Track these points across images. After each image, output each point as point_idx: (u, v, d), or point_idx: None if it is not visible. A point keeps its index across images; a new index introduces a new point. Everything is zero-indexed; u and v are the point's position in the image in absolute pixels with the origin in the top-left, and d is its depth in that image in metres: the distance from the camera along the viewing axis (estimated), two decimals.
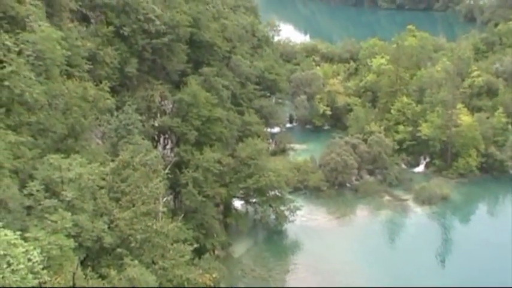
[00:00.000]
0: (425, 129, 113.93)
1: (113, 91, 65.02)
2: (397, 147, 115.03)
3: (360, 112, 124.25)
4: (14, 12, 49.31)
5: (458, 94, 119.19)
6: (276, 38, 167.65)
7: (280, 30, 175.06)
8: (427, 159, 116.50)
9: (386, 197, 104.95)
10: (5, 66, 40.82)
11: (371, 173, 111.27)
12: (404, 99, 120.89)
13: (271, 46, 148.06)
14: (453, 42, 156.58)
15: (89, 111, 53.70)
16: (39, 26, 49.41)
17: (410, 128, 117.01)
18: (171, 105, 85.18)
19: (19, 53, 44.48)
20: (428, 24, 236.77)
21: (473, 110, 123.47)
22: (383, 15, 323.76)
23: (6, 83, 39.93)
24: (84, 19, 73.48)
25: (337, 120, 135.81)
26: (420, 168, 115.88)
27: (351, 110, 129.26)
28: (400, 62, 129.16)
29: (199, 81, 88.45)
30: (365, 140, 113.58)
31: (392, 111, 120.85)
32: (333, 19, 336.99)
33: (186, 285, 47.02)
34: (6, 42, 43.84)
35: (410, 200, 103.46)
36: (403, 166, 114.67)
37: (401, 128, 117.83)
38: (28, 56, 45.52)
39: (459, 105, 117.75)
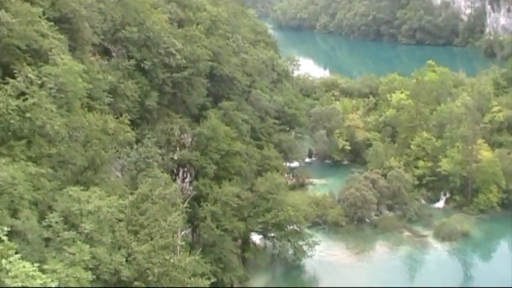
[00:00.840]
0: (445, 165, 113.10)
1: (133, 124, 65.36)
2: (416, 182, 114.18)
3: (380, 147, 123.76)
4: (37, 45, 49.96)
5: (478, 129, 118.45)
6: (296, 73, 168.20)
7: (299, 64, 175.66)
8: (447, 195, 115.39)
9: (406, 233, 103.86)
10: (27, 99, 41.24)
11: (390, 208, 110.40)
12: (424, 134, 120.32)
13: (291, 80, 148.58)
14: (473, 78, 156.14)
15: (109, 144, 53.96)
16: (62, 59, 49.94)
17: (430, 164, 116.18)
18: (190, 139, 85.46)
19: (41, 86, 44.94)
20: (448, 59, 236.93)
21: (494, 145, 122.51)
22: (402, 50, 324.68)
23: (28, 114, 40.28)
24: (106, 53, 74.34)
25: (357, 155, 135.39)
26: (440, 204, 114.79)
27: (370, 145, 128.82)
28: (420, 97, 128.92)
29: (218, 115, 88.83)
30: (384, 175, 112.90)
31: (412, 146, 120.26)
32: (352, 54, 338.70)
33: None
34: (29, 75, 44.35)
35: (430, 236, 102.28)
36: (423, 202, 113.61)
37: (421, 163, 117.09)
38: (50, 88, 45.94)
39: (479, 141, 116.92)
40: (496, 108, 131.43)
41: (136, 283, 41.56)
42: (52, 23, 54.73)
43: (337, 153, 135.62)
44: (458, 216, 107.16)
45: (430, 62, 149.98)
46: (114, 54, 76.02)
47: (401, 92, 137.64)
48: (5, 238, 27.72)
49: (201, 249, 68.42)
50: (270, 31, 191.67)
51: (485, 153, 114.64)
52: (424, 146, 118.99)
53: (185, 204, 61.86)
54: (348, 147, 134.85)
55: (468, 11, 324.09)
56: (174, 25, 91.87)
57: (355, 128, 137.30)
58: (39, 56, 50.06)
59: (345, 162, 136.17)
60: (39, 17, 52.19)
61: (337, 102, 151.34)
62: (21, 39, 48.37)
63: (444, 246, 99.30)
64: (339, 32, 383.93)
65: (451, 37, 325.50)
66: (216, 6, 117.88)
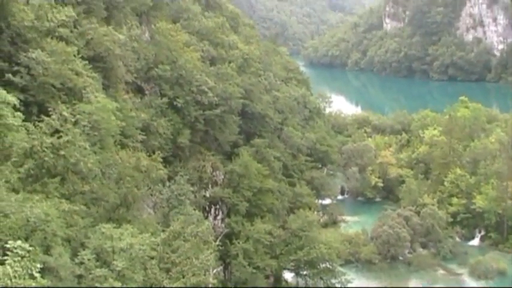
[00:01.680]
0: (479, 202, 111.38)
1: (166, 161, 65.67)
2: (450, 219, 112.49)
3: (413, 184, 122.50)
4: (72, 83, 50.76)
5: None
6: (328, 110, 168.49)
7: (331, 101, 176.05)
8: (482, 232, 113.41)
9: (441, 271, 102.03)
10: (61, 136, 41.67)
11: (424, 246, 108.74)
12: (458, 171, 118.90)
13: (323, 117, 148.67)
14: (507, 113, 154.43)
15: (142, 181, 54.15)
16: (96, 97, 50.62)
17: (464, 200, 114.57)
18: (222, 176, 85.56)
19: (75, 123, 45.46)
20: (481, 95, 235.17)
21: None
22: (435, 86, 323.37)
23: (62, 152, 40.65)
24: (139, 91, 75.23)
25: (389, 192, 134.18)
26: (475, 242, 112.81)
27: (403, 182, 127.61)
28: (453, 133, 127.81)
29: (250, 153, 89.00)
30: (418, 213, 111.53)
31: (445, 183, 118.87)
32: (384, 91, 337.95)
33: None
34: (64, 113, 44.93)
35: (466, 274, 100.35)
36: (457, 239, 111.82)
37: (455, 200, 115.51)
38: (84, 126, 46.49)
39: None
40: None
41: None
42: (86, 62, 55.67)
43: (370, 190, 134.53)
44: (494, 254, 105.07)
45: (462, 97, 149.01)
46: (147, 92, 76.92)
47: (434, 129, 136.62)
48: (37, 275, 27.74)
49: (233, 287, 68.00)
50: (302, 68, 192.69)
51: None
52: (458, 182, 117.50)
53: (217, 242, 61.64)
54: (381, 184, 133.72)
55: (501, 46, 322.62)
56: (207, 63, 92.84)
57: (388, 165, 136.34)
58: (73, 94, 50.85)
59: (378, 199, 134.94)
60: (74, 55, 53.10)
61: (370, 139, 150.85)
62: (56, 78, 49.23)
63: (480, 284, 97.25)
64: (371, 69, 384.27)
65: (483, 73, 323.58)
66: (248, 44, 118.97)
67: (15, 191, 36.90)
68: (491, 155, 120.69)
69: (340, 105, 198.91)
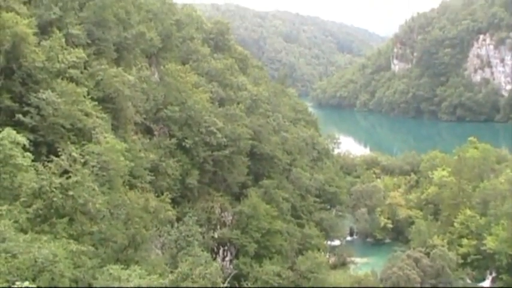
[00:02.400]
0: (490, 243, 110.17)
1: (174, 202, 65.68)
2: (461, 261, 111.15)
3: (422, 225, 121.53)
4: (81, 124, 51.15)
5: None
6: (336, 151, 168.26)
7: (340, 142, 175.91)
8: (494, 274, 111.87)
9: None
10: (70, 177, 41.77)
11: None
12: (468, 211, 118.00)
13: (332, 158, 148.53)
14: None
15: (150, 222, 54.05)
16: (105, 137, 50.94)
17: (474, 242, 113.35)
18: (231, 217, 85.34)
19: (84, 164, 45.63)
20: (489, 135, 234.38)
21: None
22: (443, 127, 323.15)
23: (70, 192, 40.70)
24: (148, 131, 75.62)
25: (399, 233, 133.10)
26: (486, 283, 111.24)
27: (412, 223, 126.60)
28: (462, 174, 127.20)
29: (259, 194, 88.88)
30: (427, 254, 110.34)
31: (455, 224, 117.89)
32: (392, 131, 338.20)
33: None
34: (73, 154, 45.14)
35: None
36: (468, 281, 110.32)
37: (465, 241, 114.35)
38: (93, 166, 46.67)
39: None
40: None
41: None
42: (96, 103, 56.16)
43: (379, 232, 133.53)
44: None
45: (471, 138, 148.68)
46: (156, 132, 77.29)
47: (443, 169, 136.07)
48: None
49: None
50: (310, 109, 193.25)
51: None
52: (468, 223, 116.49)
53: (226, 284, 61.14)
54: (390, 226, 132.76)
55: (509, 86, 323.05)
56: (215, 104, 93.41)
57: (397, 206, 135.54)
58: (82, 134, 51.17)
59: (387, 240, 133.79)
60: (84, 96, 53.63)
61: (378, 180, 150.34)
62: (66, 119, 49.60)
63: None
64: (379, 110, 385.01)
65: (492, 113, 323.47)
66: (257, 85, 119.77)
67: (24, 231, 36.86)
68: (501, 196, 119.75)
69: (349, 146, 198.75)
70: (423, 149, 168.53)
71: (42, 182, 39.87)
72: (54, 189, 39.93)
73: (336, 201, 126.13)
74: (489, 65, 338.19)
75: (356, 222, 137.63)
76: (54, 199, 39.78)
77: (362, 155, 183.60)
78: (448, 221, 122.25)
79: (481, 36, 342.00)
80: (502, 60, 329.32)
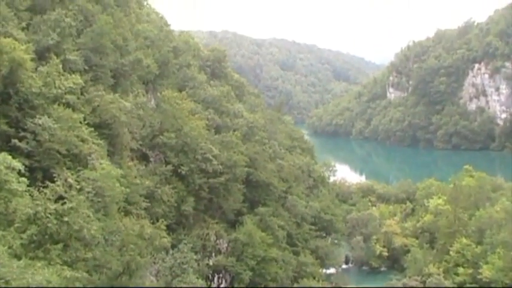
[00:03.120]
0: (486, 272, 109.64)
1: (169, 229, 65.45)
2: None
3: (418, 253, 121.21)
4: (77, 150, 51.15)
5: None
6: (332, 179, 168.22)
7: (336, 170, 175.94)
8: None
9: None
10: (65, 203, 41.65)
11: None
12: (464, 240, 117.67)
13: (327, 186, 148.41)
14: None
15: (145, 249, 53.75)
16: (101, 163, 50.93)
17: (470, 270, 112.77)
18: (226, 245, 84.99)
19: (80, 190, 45.56)
20: (485, 163, 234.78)
21: None
22: (439, 155, 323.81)
23: (65, 219, 40.55)
24: (144, 158, 75.61)
25: (395, 261, 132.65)
26: None
27: (408, 251, 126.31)
28: (458, 202, 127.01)
29: (255, 221, 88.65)
30: (424, 282, 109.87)
31: (451, 252, 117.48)
32: (388, 159, 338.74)
33: None
34: (69, 179, 45.12)
35: None
36: None
37: (461, 270, 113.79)
38: (88, 192, 46.60)
39: None
40: None
41: None
42: (92, 129, 56.20)
43: (375, 260, 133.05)
44: None
45: (467, 166, 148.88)
46: (151, 159, 77.27)
47: (439, 197, 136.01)
48: None
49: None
50: (306, 137, 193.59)
51: None
52: (464, 252, 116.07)
53: None
54: (386, 254, 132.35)
55: (504, 115, 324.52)
56: (212, 131, 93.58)
57: (393, 234, 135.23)
58: (78, 160, 51.16)
59: (383, 268, 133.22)
60: (80, 122, 53.69)
61: (374, 208, 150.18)
62: (61, 144, 49.61)
63: None
64: (375, 138, 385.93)
65: (487, 141, 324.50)
66: (253, 112, 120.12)
67: (18, 257, 36.62)
68: (497, 224, 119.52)
69: (345, 174, 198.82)
70: (419, 177, 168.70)
71: (37, 208, 39.73)
72: (49, 215, 39.78)
73: (331, 229, 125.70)
74: (484, 93, 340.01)
75: (351, 250, 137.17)
76: (49, 225, 39.62)
77: (358, 182, 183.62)
78: (444, 249, 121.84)
79: (476, 65, 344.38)
80: (497, 89, 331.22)
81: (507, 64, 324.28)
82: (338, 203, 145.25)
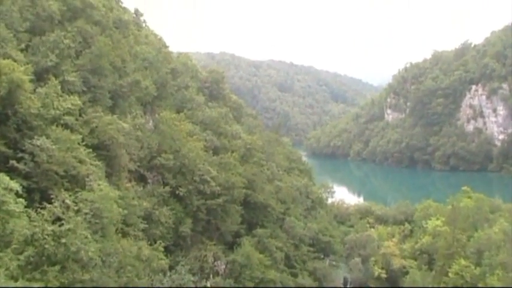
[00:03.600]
0: None
1: (167, 250, 65.30)
2: None
3: (417, 275, 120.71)
4: (75, 171, 51.17)
5: None
6: (330, 200, 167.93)
7: (334, 192, 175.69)
8: None
9: None
10: (63, 224, 41.59)
11: None
12: (462, 261, 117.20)
13: (325, 208, 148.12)
14: (510, 203, 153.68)
15: (143, 271, 53.66)
16: (98, 185, 50.94)
17: None
18: (224, 266, 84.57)
19: (77, 211, 45.52)
20: (483, 185, 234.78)
21: None
22: (437, 176, 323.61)
23: (63, 240, 40.46)
24: (142, 179, 75.55)
25: (393, 283, 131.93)
26: None
27: (407, 273, 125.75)
28: (456, 224, 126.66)
29: (252, 243, 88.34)
30: None
31: (450, 274, 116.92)
32: (386, 181, 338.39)
33: None
34: (66, 201, 45.12)
35: None
36: None
37: None
38: (86, 214, 46.57)
39: None
40: None
41: None
42: (90, 150, 56.26)
43: (373, 281, 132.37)
44: None
45: (465, 188, 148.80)
46: (149, 180, 77.22)
47: (437, 219, 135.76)
48: None
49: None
50: (304, 158, 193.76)
51: None
52: (463, 273, 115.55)
53: None
54: (384, 275, 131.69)
55: (501, 136, 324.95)
56: (210, 152, 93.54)
57: (391, 256, 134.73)
58: (76, 181, 51.15)
59: None
60: (78, 143, 53.82)
61: (372, 229, 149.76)
62: (59, 165, 49.64)
63: None
64: (373, 159, 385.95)
65: (485, 163, 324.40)
66: (251, 134, 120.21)
67: (15, 278, 36.53)
68: (495, 246, 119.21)
69: (343, 195, 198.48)
70: (417, 199, 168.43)
71: (34, 229, 39.67)
72: (46, 237, 39.70)
73: (329, 250, 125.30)
74: (482, 115, 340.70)
75: (350, 271, 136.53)
76: (46, 246, 39.52)
77: (356, 204, 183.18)
78: (442, 270, 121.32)
79: (474, 87, 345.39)
80: (495, 110, 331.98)
81: (504, 85, 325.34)
82: (336, 225, 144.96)
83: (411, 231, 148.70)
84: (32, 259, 39.14)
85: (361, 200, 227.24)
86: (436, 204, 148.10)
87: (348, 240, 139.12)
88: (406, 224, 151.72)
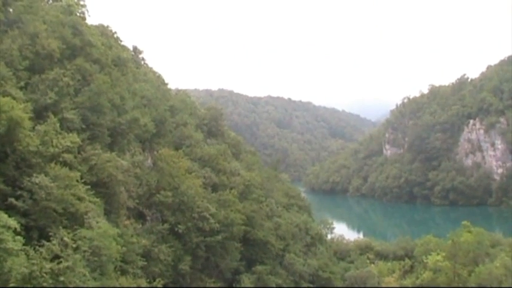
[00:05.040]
0: None
1: None
2: None
3: None
4: (73, 208, 51.10)
5: None
6: (330, 236, 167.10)
7: (333, 228, 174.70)
8: None
9: None
10: (61, 262, 41.44)
11: None
12: None
13: (325, 244, 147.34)
14: (510, 237, 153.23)
15: None
16: (97, 222, 50.84)
17: None
18: None
19: (76, 249, 45.38)
20: (483, 219, 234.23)
21: None
22: (436, 211, 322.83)
23: (61, 278, 40.32)
24: (141, 216, 75.41)
25: None
26: None
27: None
28: (457, 259, 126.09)
29: (252, 280, 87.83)
30: None
31: None
32: (386, 216, 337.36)
33: None
34: (65, 238, 45.03)
35: None
36: None
37: None
38: (84, 251, 46.40)
39: None
40: None
41: None
42: (89, 187, 56.24)
43: None
44: None
45: (465, 222, 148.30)
46: (148, 218, 77.10)
47: (438, 254, 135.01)
48: None
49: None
50: (303, 194, 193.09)
51: None
52: None
53: None
54: None
55: (500, 170, 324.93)
56: (208, 189, 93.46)
57: None
58: (75, 219, 51.08)
59: None
60: (77, 181, 53.84)
61: (373, 265, 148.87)
62: (58, 203, 49.61)
63: None
64: (372, 195, 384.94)
65: (484, 197, 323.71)
66: (250, 171, 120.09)
67: None
68: (497, 280, 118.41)
69: (342, 231, 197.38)
70: (417, 234, 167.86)
71: (32, 267, 39.53)
72: (44, 274, 39.58)
73: (329, 287, 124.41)
74: (480, 149, 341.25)
75: None
76: (45, 284, 39.37)
77: (356, 240, 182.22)
78: None
79: (471, 121, 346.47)
80: (493, 144, 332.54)
81: (502, 120, 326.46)
82: (336, 261, 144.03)
83: (412, 266, 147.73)
84: None
85: (360, 235, 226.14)
86: (436, 239, 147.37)
87: (348, 276, 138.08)
88: (407, 260, 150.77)
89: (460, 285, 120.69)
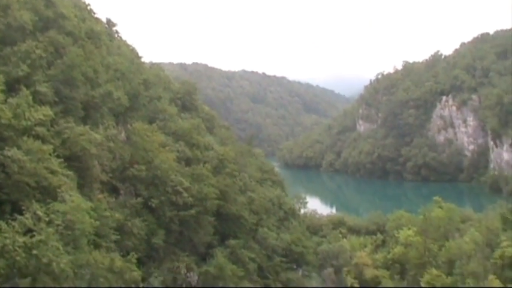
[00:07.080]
0: None
1: (140, 262, 64.89)
2: None
3: (389, 284, 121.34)
4: (46, 182, 50.75)
5: (489, 265, 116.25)
6: (303, 211, 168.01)
7: (306, 203, 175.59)
8: None
9: None
10: (34, 235, 41.28)
11: None
12: (434, 271, 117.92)
13: (298, 218, 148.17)
14: (480, 213, 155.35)
15: (115, 283, 53.33)
16: (70, 196, 50.53)
17: None
18: (196, 278, 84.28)
19: (49, 223, 45.18)
20: (454, 195, 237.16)
21: (506, 281, 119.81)
22: (408, 187, 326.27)
23: (34, 252, 40.20)
24: (114, 190, 75.10)
25: None
26: None
27: (379, 283, 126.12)
28: (428, 234, 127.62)
29: (225, 254, 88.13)
30: None
31: (421, 283, 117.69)
32: (358, 192, 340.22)
33: None
34: (37, 212, 44.79)
35: None
36: None
37: None
38: (57, 225, 46.19)
39: (491, 276, 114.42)
40: (505, 243, 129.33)
41: None
42: (62, 161, 55.85)
43: None
44: None
45: (436, 198, 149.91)
46: (122, 192, 76.82)
47: (409, 229, 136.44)
48: None
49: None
50: (277, 169, 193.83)
51: None
52: (434, 283, 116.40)
53: None
54: (357, 285, 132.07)
55: (471, 147, 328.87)
56: (182, 163, 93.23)
57: (364, 266, 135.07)
58: (47, 193, 50.75)
59: None
60: (50, 154, 53.44)
61: (345, 239, 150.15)
62: (31, 177, 49.25)
63: None
64: (345, 170, 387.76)
65: (456, 173, 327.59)
66: (224, 145, 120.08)
67: None
68: (466, 255, 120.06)
69: (316, 206, 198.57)
70: (389, 209, 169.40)
71: (5, 241, 39.35)
72: (17, 248, 39.42)
73: (302, 261, 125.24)
74: (452, 125, 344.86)
75: (323, 282, 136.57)
76: (17, 258, 39.23)
77: (328, 214, 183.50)
78: (414, 280, 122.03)
79: (444, 98, 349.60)
80: (465, 121, 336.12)
81: (474, 97, 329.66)
82: (309, 235, 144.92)
83: (383, 241, 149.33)
84: (2, 271, 38.80)
85: (333, 210, 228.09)
86: (408, 215, 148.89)
87: (321, 250, 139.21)
88: (379, 234, 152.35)
89: (431, 259, 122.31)
